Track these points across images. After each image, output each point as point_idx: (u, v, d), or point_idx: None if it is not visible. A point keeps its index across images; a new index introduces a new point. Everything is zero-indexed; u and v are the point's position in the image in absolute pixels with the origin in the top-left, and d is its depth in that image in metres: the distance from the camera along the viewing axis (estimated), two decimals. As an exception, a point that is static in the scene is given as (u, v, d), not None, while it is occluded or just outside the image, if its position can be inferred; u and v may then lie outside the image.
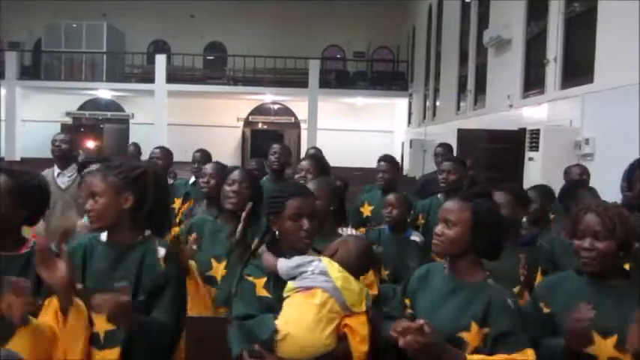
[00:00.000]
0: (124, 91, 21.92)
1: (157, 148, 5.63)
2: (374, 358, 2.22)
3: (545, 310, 2.21)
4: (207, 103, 22.90)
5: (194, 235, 2.92)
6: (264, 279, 2.29)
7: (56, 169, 4.98)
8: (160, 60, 20.38)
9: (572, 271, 2.30)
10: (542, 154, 6.51)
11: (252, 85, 21.35)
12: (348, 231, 3.26)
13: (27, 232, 2.39)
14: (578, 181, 4.51)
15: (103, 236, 2.24)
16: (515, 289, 2.82)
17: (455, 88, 13.44)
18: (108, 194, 2.15)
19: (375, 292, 2.85)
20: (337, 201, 3.22)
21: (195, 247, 2.68)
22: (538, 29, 8.31)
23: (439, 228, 2.19)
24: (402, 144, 19.90)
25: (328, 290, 2.17)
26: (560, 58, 7.35)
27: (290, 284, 2.23)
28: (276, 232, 2.37)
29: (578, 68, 6.91)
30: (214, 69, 23.25)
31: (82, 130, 22.41)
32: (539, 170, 6.46)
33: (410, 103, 20.64)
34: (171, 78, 20.78)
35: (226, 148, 22.20)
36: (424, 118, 17.49)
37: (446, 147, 6.45)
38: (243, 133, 24.29)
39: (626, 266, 2.28)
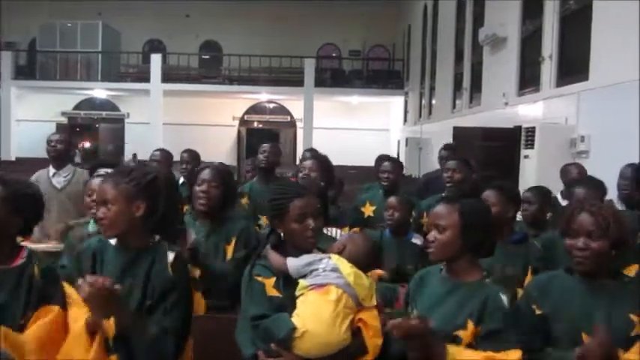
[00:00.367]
0: (119, 90, 21.88)
1: (157, 150, 5.58)
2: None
3: (538, 312, 2.20)
4: (202, 102, 22.87)
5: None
6: (274, 279, 2.27)
7: (51, 169, 4.95)
8: (156, 59, 20.36)
9: (561, 270, 2.31)
10: (537, 152, 6.53)
11: (248, 84, 21.34)
12: (334, 231, 3.27)
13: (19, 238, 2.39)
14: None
15: (112, 240, 2.24)
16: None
17: (450, 86, 13.46)
18: (120, 202, 2.13)
19: None
20: (322, 200, 3.23)
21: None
22: (533, 27, 8.33)
23: (431, 234, 2.22)
24: (398, 142, 19.92)
25: (341, 286, 2.18)
26: (556, 56, 7.36)
27: (302, 282, 2.22)
28: (281, 234, 2.37)
29: (574, 66, 6.92)
30: (210, 68, 23.24)
31: (78, 129, 22.37)
32: (535, 168, 6.48)
33: (406, 102, 20.65)
34: (167, 77, 20.76)
35: (222, 147, 22.17)
36: (420, 116, 17.50)
37: (450, 149, 6.37)
38: (239, 132, 24.26)
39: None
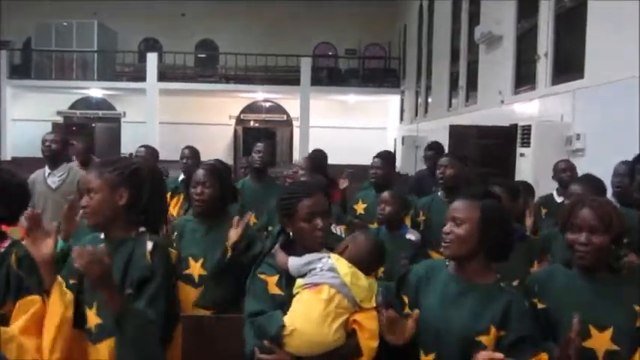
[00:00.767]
0: (115, 89, 21.83)
1: (141, 146, 5.57)
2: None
3: (540, 306, 2.21)
4: (198, 101, 22.84)
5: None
6: (277, 277, 2.30)
7: (47, 170, 4.95)
8: (152, 58, 20.33)
9: (559, 264, 2.32)
10: (533, 150, 6.55)
11: (244, 83, 21.31)
12: (337, 229, 3.28)
13: (17, 233, 2.39)
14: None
15: (103, 234, 2.24)
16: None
17: (446, 84, 13.47)
18: (103, 190, 2.15)
19: None
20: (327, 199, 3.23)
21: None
22: (529, 25, 8.34)
23: (447, 227, 2.15)
24: (395, 141, 19.93)
25: (336, 286, 2.18)
26: (551, 54, 7.38)
27: (299, 281, 2.24)
28: (290, 234, 2.38)
29: (569, 64, 6.94)
30: (206, 67, 23.18)
31: (74, 129, 22.32)
32: (531, 166, 6.50)
33: (402, 100, 20.66)
34: (163, 76, 20.73)
35: (218, 146, 22.15)
36: (416, 114, 17.51)
37: (434, 149, 6.34)
38: (235, 131, 24.24)
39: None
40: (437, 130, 12.08)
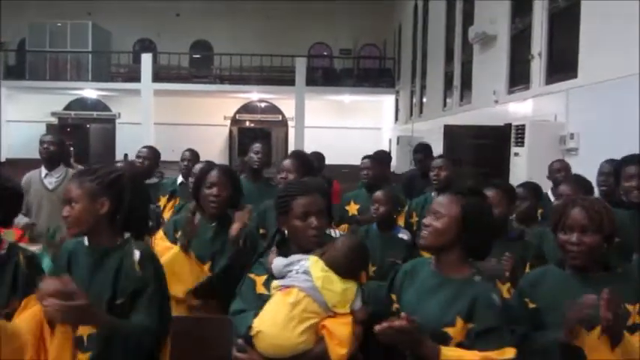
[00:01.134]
0: (110, 90, 21.80)
1: (144, 147, 5.59)
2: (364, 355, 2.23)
3: (531, 306, 2.22)
4: (193, 101, 22.83)
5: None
6: (265, 277, 2.30)
7: (43, 170, 4.95)
8: (146, 59, 20.28)
9: (552, 265, 2.33)
10: (527, 150, 6.56)
11: (239, 83, 21.33)
12: (331, 232, 3.29)
13: (10, 235, 2.41)
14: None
15: (86, 240, 2.24)
16: (506, 286, 2.85)
17: (441, 84, 13.50)
18: (83, 200, 2.15)
19: None
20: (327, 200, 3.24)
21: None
22: (523, 25, 8.37)
23: (427, 219, 2.18)
24: (390, 141, 19.95)
25: (306, 289, 2.15)
26: (545, 54, 7.40)
27: (274, 283, 2.24)
28: (285, 232, 2.38)
29: (563, 63, 6.96)
30: (200, 67, 23.17)
31: (68, 130, 22.25)
32: (525, 165, 6.51)
33: (397, 100, 20.69)
34: (158, 77, 20.72)
35: (214, 147, 22.15)
36: (411, 114, 17.53)
37: (422, 150, 6.35)
38: (231, 132, 24.24)
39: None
40: (432, 130, 12.10)
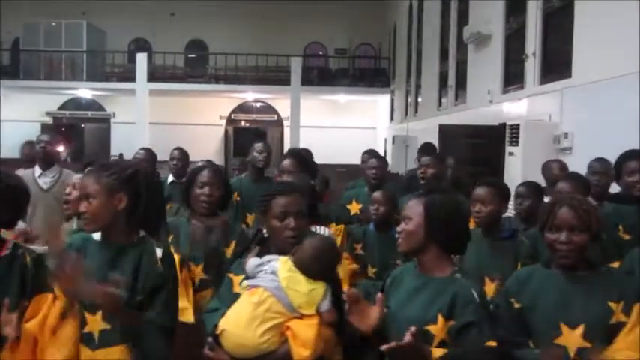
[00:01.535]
0: (104, 90, 21.74)
1: (141, 149, 5.57)
2: (346, 354, 2.24)
3: (516, 305, 2.23)
4: (189, 101, 22.79)
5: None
6: (242, 276, 2.31)
7: (37, 170, 4.93)
8: (141, 58, 20.23)
9: (539, 264, 2.35)
10: (522, 149, 6.58)
11: (234, 83, 21.31)
12: (321, 230, 3.30)
13: (7, 234, 2.40)
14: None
15: (96, 235, 2.22)
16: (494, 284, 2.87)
17: (436, 84, 13.51)
18: (101, 196, 2.13)
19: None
20: (311, 198, 3.25)
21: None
22: (517, 25, 8.39)
23: (400, 226, 2.25)
24: (385, 140, 19.97)
25: (270, 289, 2.15)
26: (539, 54, 7.42)
27: (243, 283, 2.25)
28: (264, 232, 2.40)
29: (557, 63, 6.98)
30: (196, 67, 23.12)
31: (63, 129, 22.20)
32: (520, 165, 6.53)
33: (392, 100, 20.70)
34: (153, 76, 20.65)
35: (209, 147, 22.09)
36: (406, 114, 17.55)
37: (426, 151, 6.35)
38: (226, 132, 24.20)
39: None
40: (427, 129, 12.13)
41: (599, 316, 2.10)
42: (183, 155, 5.37)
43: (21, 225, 4.39)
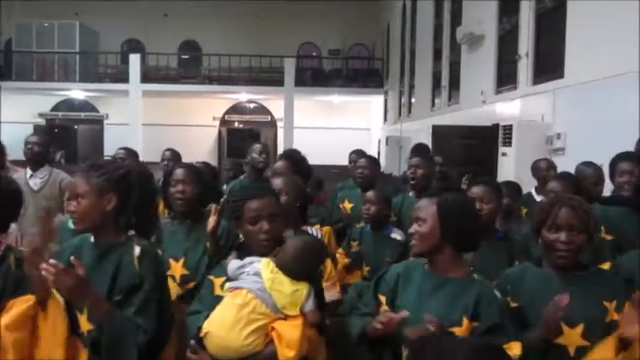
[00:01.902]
0: (97, 91, 21.68)
1: (120, 149, 5.53)
2: (342, 355, 2.23)
3: (513, 304, 2.23)
4: (182, 102, 22.75)
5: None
6: (224, 278, 2.29)
7: (28, 171, 4.92)
8: (134, 59, 20.18)
9: (529, 264, 2.35)
10: (515, 150, 6.60)
11: (228, 83, 21.28)
12: (312, 230, 3.29)
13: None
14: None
15: (93, 236, 2.23)
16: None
17: (429, 84, 13.54)
18: (90, 195, 2.13)
19: (336, 292, 2.99)
20: (302, 199, 3.26)
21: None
22: (510, 26, 8.41)
23: (413, 227, 2.23)
24: (379, 141, 19.98)
25: (254, 291, 2.14)
26: (532, 54, 7.44)
27: (226, 285, 2.23)
28: (240, 236, 2.38)
29: (549, 64, 7.00)
30: (189, 68, 23.08)
31: (56, 131, 22.11)
32: (513, 165, 6.55)
33: (385, 100, 20.73)
34: (146, 77, 20.61)
35: (202, 148, 22.06)
36: (400, 114, 17.57)
37: (419, 152, 6.34)
38: (220, 133, 24.17)
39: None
40: (420, 130, 12.12)
41: (597, 315, 2.12)
42: (174, 156, 5.36)
43: (12, 227, 4.38)
